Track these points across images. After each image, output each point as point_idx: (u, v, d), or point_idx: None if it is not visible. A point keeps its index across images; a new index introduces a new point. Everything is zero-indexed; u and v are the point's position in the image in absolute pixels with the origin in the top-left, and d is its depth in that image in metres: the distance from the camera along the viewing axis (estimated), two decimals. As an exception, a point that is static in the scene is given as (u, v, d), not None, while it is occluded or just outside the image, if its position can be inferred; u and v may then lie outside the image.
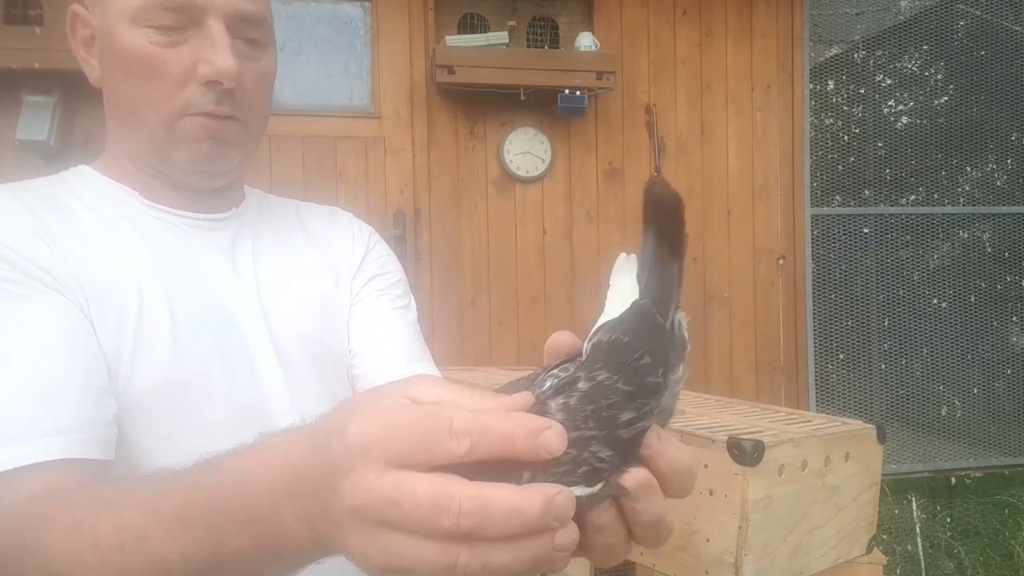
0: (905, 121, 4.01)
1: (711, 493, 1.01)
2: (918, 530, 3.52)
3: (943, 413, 3.65)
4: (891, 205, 3.78)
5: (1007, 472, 3.76)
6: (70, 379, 0.65)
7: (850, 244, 3.61)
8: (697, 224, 3.25)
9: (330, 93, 2.95)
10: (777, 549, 1.02)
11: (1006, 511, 3.84)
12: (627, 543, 0.44)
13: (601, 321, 0.44)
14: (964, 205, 3.84)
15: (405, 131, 2.98)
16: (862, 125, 3.90)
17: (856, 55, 3.85)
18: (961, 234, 4.00)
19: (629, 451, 0.41)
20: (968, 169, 3.91)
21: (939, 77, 3.96)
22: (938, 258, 3.96)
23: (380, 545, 0.38)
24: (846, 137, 3.92)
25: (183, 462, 0.52)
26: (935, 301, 3.66)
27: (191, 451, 0.53)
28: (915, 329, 3.55)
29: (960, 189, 3.94)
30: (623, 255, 0.45)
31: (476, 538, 0.36)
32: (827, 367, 3.42)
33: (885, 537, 3.47)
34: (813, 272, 3.30)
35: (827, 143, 3.79)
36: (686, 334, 0.45)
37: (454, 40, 2.90)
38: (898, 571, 3.37)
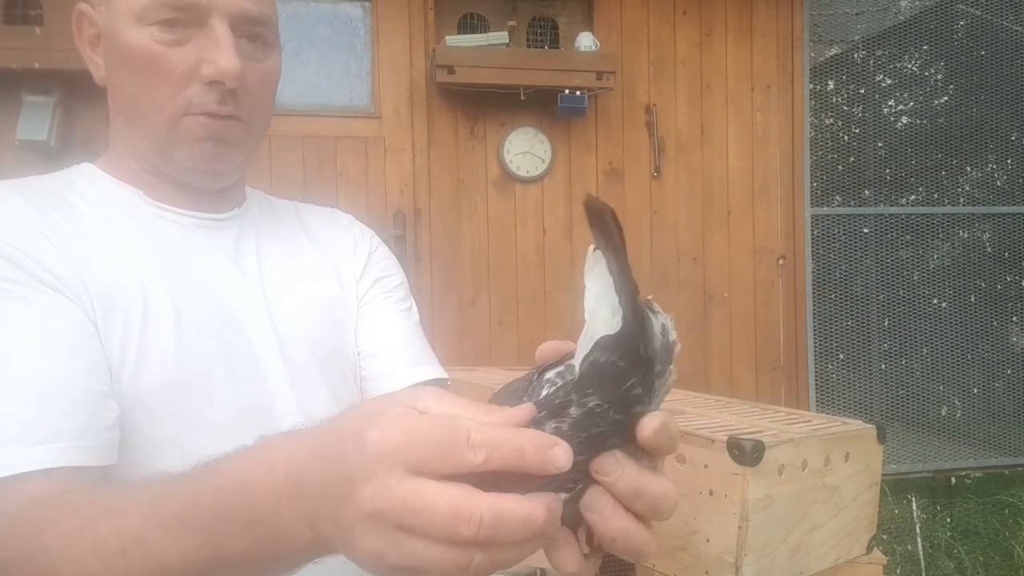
0: (905, 121, 4.00)
1: (711, 493, 1.01)
2: (918, 530, 3.52)
3: (943, 413, 3.65)
4: (891, 205, 3.78)
5: (1007, 472, 3.76)
6: (70, 382, 0.65)
7: (850, 244, 3.60)
8: (697, 224, 3.25)
9: (330, 93, 2.95)
10: (777, 549, 1.02)
11: (1006, 511, 3.84)
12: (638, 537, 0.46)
13: (587, 329, 0.46)
14: (964, 205, 3.84)
15: (405, 131, 2.98)
16: (862, 125, 3.90)
17: (856, 55, 3.85)
18: (961, 234, 4.00)
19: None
20: (968, 169, 3.91)
21: (939, 77, 3.95)
22: (938, 258, 3.96)
23: (396, 548, 0.40)
24: (846, 137, 3.92)
25: (187, 462, 0.52)
26: (935, 301, 3.65)
27: (196, 451, 0.53)
28: (915, 329, 3.55)
29: (960, 189, 3.93)
30: (591, 250, 0.47)
31: (490, 544, 0.39)
32: (827, 367, 3.42)
33: (885, 537, 3.48)
34: (813, 272, 3.30)
35: (827, 143, 3.79)
36: (673, 336, 0.46)
37: (454, 40, 2.90)
38: (898, 571, 3.37)
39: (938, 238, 3.83)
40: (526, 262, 3.09)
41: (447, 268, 3.01)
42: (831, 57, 3.80)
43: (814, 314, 3.30)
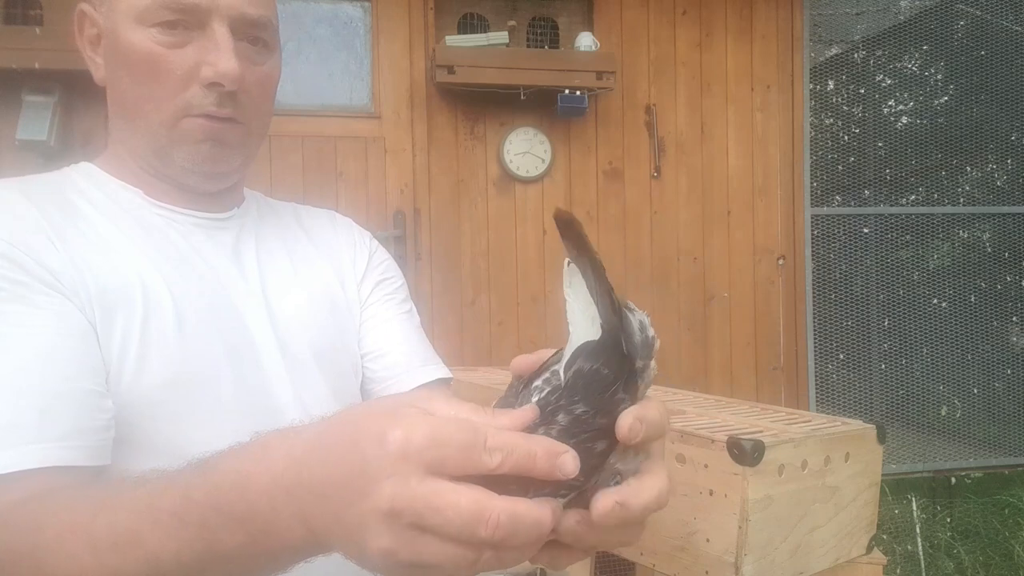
0: (905, 121, 4.00)
1: (711, 493, 1.01)
2: (918, 530, 3.52)
3: (943, 413, 3.65)
4: (891, 205, 3.78)
5: (1007, 472, 3.76)
6: (65, 383, 0.65)
7: (850, 244, 3.60)
8: (697, 224, 3.24)
9: (330, 93, 2.95)
10: (777, 549, 1.02)
11: (1006, 511, 3.84)
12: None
13: (570, 339, 0.48)
14: (964, 205, 3.84)
15: (405, 131, 2.98)
16: (862, 125, 3.90)
17: (856, 55, 3.85)
18: (961, 234, 4.00)
19: (595, 469, 0.46)
20: (968, 169, 3.91)
21: (939, 77, 3.95)
22: (938, 258, 3.96)
23: (409, 546, 0.41)
24: (846, 137, 3.92)
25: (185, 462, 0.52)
26: (935, 301, 3.65)
27: (198, 449, 0.53)
28: (915, 329, 3.54)
29: (960, 189, 3.93)
30: (567, 264, 0.49)
31: (500, 545, 0.41)
32: (827, 367, 3.42)
33: (885, 537, 3.48)
34: (813, 272, 3.30)
35: (827, 143, 3.79)
36: (651, 332, 0.48)
37: (454, 40, 2.90)
38: (898, 571, 3.37)
39: (938, 238, 3.83)
40: (526, 262, 3.09)
41: (447, 268, 3.01)
42: (831, 57, 3.80)
43: (814, 314, 3.30)
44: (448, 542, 0.41)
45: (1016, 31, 3.54)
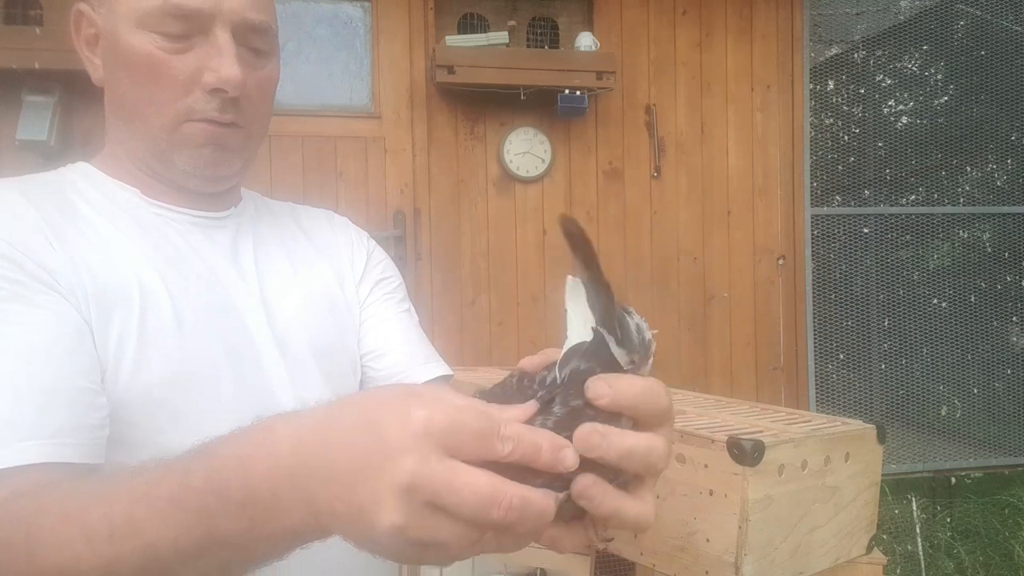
0: (905, 121, 4.00)
1: (711, 493, 1.01)
2: (918, 530, 3.53)
3: (943, 413, 3.65)
4: (891, 205, 3.78)
5: (1007, 472, 3.76)
6: (59, 381, 0.65)
7: (850, 244, 3.60)
8: (697, 224, 3.24)
9: (330, 93, 2.95)
10: (777, 549, 1.02)
11: (1006, 511, 3.85)
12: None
13: (569, 346, 0.50)
14: (964, 205, 3.84)
15: (405, 131, 2.98)
16: (862, 125, 3.90)
17: (856, 55, 3.85)
18: (961, 234, 4.00)
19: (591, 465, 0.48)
20: (968, 169, 3.91)
21: (939, 77, 3.95)
22: (938, 258, 3.96)
23: (420, 522, 0.42)
24: (846, 137, 3.92)
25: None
26: (935, 301, 3.65)
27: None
28: (915, 329, 3.54)
29: (960, 189, 3.93)
30: (570, 278, 0.51)
31: (507, 529, 0.43)
32: (827, 367, 3.42)
33: (885, 537, 3.48)
34: (813, 272, 3.29)
35: (827, 143, 3.79)
36: (648, 335, 0.51)
37: (454, 40, 2.90)
38: (898, 571, 3.37)
39: (938, 238, 3.83)
40: (526, 262, 3.09)
41: (447, 268, 3.01)
42: (831, 57, 3.80)
43: (814, 314, 3.30)
44: (458, 522, 0.42)
45: (1016, 31, 3.54)
